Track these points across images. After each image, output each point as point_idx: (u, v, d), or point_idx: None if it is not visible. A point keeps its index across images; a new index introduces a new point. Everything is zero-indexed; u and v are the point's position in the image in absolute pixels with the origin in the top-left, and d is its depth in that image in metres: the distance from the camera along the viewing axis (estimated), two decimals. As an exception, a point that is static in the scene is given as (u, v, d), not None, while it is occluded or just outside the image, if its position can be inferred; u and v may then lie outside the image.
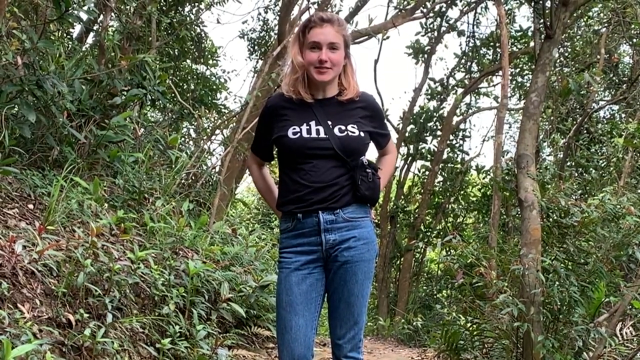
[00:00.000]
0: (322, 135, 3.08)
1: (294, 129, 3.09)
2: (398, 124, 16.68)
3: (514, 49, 14.91)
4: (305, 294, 3.07)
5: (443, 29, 16.24)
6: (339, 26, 3.10)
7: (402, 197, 16.78)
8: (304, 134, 3.08)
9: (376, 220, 18.11)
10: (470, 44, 16.32)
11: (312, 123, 3.11)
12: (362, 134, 3.14)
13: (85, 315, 4.01)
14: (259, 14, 15.61)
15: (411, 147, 16.36)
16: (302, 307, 3.06)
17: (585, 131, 13.52)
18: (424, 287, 17.13)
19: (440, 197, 16.59)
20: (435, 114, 16.24)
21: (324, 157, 3.07)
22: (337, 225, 3.06)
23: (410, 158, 16.46)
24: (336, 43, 3.08)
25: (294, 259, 3.10)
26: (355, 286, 3.08)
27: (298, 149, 3.07)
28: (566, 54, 14.57)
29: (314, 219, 3.06)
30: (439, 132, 16.28)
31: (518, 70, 15.90)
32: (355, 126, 3.13)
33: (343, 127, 3.11)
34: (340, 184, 3.08)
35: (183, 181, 8.59)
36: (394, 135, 16.31)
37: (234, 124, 12.00)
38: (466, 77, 16.70)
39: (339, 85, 3.22)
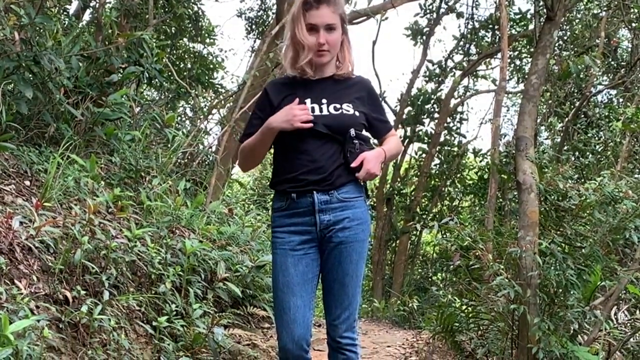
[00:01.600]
0: (316, 113, 3.07)
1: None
2: (395, 106, 16.65)
3: (513, 31, 14.84)
4: (302, 274, 3.05)
5: (442, 10, 16.18)
6: (334, 5, 3.06)
7: (399, 179, 16.78)
8: (317, 112, 3.07)
9: (371, 203, 18.18)
10: (469, 26, 16.26)
11: (308, 101, 3.09)
12: (356, 113, 3.12)
13: (82, 292, 4.00)
14: (257, -7, 15.50)
15: (408, 129, 16.33)
16: (299, 287, 3.04)
17: (583, 115, 13.50)
18: (420, 270, 17.18)
19: (437, 180, 16.59)
20: (433, 96, 16.19)
21: (319, 136, 3.05)
22: (332, 206, 3.05)
23: (407, 140, 16.43)
24: (333, 24, 3.04)
25: (288, 239, 3.08)
26: (350, 266, 3.06)
27: (297, 130, 3.03)
28: (565, 38, 14.53)
29: (308, 199, 3.04)
30: (436, 115, 16.24)
31: (517, 53, 15.85)
32: (350, 105, 3.11)
33: (338, 106, 3.10)
34: (336, 163, 3.06)
35: (180, 160, 8.58)
36: (391, 117, 16.31)
37: (231, 103, 11.96)
38: (464, 59, 16.64)
39: (336, 61, 3.20)
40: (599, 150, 12.28)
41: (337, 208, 3.05)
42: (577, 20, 14.52)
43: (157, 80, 7.77)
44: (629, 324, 6.77)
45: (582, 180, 10.50)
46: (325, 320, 3.22)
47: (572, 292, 5.60)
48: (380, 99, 15.51)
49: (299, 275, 3.05)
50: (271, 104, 3.15)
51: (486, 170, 14.99)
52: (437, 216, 15.26)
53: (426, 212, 16.14)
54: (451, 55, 16.77)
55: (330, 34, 3.04)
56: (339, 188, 3.06)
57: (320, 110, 3.07)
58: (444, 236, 13.01)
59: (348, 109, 3.10)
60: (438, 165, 16.63)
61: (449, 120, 16.40)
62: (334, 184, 3.05)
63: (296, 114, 2.96)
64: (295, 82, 3.16)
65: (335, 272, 3.08)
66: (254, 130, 3.14)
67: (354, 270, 3.08)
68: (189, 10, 12.67)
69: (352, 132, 3.07)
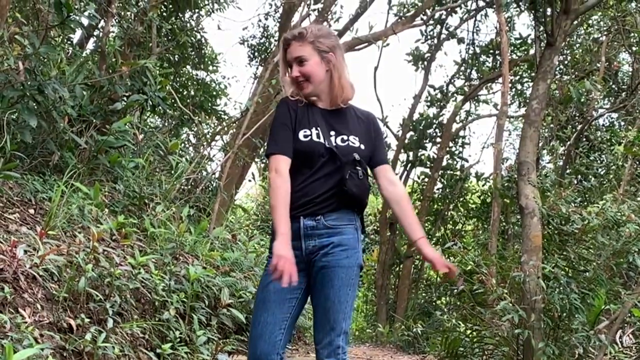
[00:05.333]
0: (323, 141, 3.08)
1: (305, 132, 3.10)
2: (398, 131, 16.68)
3: (514, 56, 14.91)
4: (279, 292, 3.01)
5: (443, 36, 16.25)
6: (301, 39, 3.14)
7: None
8: (314, 138, 3.09)
9: (374, 227, 18.15)
10: (470, 52, 16.33)
11: (319, 129, 3.11)
12: (362, 146, 3.15)
13: (86, 320, 4.00)
14: (259, 20, 15.58)
15: (410, 153, 16.34)
16: (273, 304, 3.03)
17: (584, 139, 13.53)
18: (423, 294, 17.09)
19: (440, 204, 16.57)
20: (434, 121, 16.22)
21: (323, 164, 3.07)
22: (317, 232, 3.05)
23: (409, 165, 16.44)
24: (302, 56, 3.12)
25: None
26: (331, 291, 3.03)
27: (308, 152, 3.07)
28: (566, 62, 14.60)
29: (295, 224, 3.04)
30: (438, 139, 16.25)
31: (518, 77, 15.90)
32: (357, 138, 3.15)
33: (345, 137, 3.13)
34: (324, 188, 3.06)
35: (183, 187, 8.60)
36: (393, 142, 16.35)
37: (234, 130, 12.00)
38: (466, 84, 16.69)
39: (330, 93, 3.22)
40: (602, 173, 12.29)
41: (323, 234, 3.05)
42: (577, 45, 14.60)
43: (160, 107, 7.83)
44: (634, 348, 6.75)
45: (585, 203, 10.50)
46: None
47: (576, 316, 5.59)
48: (383, 124, 15.50)
49: (276, 294, 3.03)
50: (294, 112, 3.17)
51: (489, 194, 14.97)
52: (441, 240, 15.22)
53: (429, 236, 16.09)
54: (452, 80, 16.84)
55: (302, 66, 3.12)
56: (326, 214, 3.06)
57: (326, 140, 3.09)
58: (448, 260, 12.96)
59: (354, 141, 3.14)
60: (441, 190, 16.60)
61: (451, 144, 16.41)
62: (321, 210, 3.06)
63: (282, 271, 2.86)
64: (307, 108, 3.19)
65: (317, 296, 3.07)
66: (281, 141, 3.09)
67: (336, 295, 3.04)
68: (192, 38, 12.76)
69: (357, 156, 3.09)
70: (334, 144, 3.09)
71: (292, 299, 3.09)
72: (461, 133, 16.89)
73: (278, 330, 3.03)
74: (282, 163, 3.05)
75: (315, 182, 3.07)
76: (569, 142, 12.91)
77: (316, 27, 3.25)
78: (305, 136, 3.08)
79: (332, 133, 3.12)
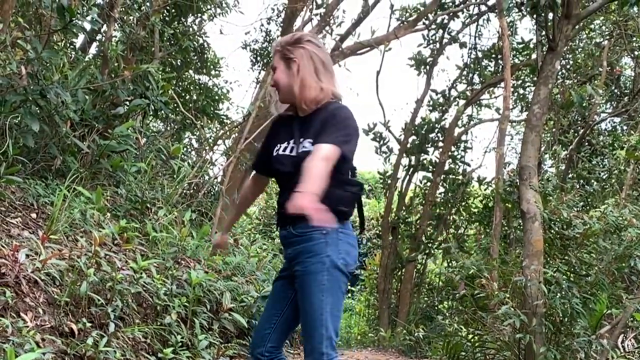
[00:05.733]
0: (289, 153, 3.14)
1: (277, 146, 3.20)
2: (400, 135, 16.66)
3: (516, 61, 14.91)
4: (277, 291, 3.28)
5: (445, 40, 16.24)
6: (275, 48, 3.27)
7: (404, 208, 16.75)
8: (281, 152, 3.17)
9: (376, 232, 18.14)
10: (472, 56, 16.32)
11: (290, 141, 3.17)
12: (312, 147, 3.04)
13: (88, 324, 4.01)
14: (262, 25, 15.56)
15: (413, 158, 16.33)
16: (270, 300, 3.30)
17: (587, 143, 13.53)
18: (425, 298, 17.06)
19: (442, 208, 16.54)
20: (437, 125, 16.20)
21: (285, 174, 3.13)
22: (290, 241, 3.14)
23: (411, 169, 16.43)
24: (275, 66, 3.24)
25: (284, 264, 3.30)
26: (302, 299, 3.07)
27: (274, 166, 3.20)
28: (568, 67, 14.60)
29: (280, 233, 3.22)
30: (440, 144, 16.24)
31: (520, 82, 15.90)
32: (310, 140, 3.07)
33: (310, 143, 3.06)
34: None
35: (185, 191, 8.61)
36: (395, 146, 16.34)
37: (236, 134, 12.01)
38: (468, 88, 16.67)
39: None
40: (604, 177, 12.29)
41: (294, 242, 3.11)
42: (579, 49, 14.60)
43: (162, 112, 7.84)
44: (636, 352, 6.73)
45: (588, 208, 10.50)
46: None
47: (578, 321, 5.59)
48: (385, 128, 15.47)
49: (275, 294, 3.28)
50: (275, 129, 3.32)
51: (491, 198, 14.96)
52: (443, 244, 15.20)
53: (432, 241, 16.07)
54: (455, 85, 16.82)
55: (275, 74, 3.22)
56: (295, 223, 3.07)
57: (291, 150, 3.13)
58: (450, 264, 12.98)
59: (307, 145, 3.07)
60: (443, 194, 16.57)
61: (453, 149, 16.39)
62: (289, 220, 3.07)
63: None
64: (289, 120, 3.27)
65: (298, 305, 3.14)
66: (256, 158, 3.41)
67: (308, 303, 3.05)
68: (195, 43, 12.78)
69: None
70: (298, 152, 3.09)
71: (285, 298, 3.24)
72: (463, 137, 16.86)
73: (267, 325, 3.24)
74: (252, 177, 3.43)
75: (283, 194, 3.14)
76: (571, 147, 12.91)
77: (291, 35, 3.30)
78: (276, 150, 3.19)
79: (301, 140, 3.12)
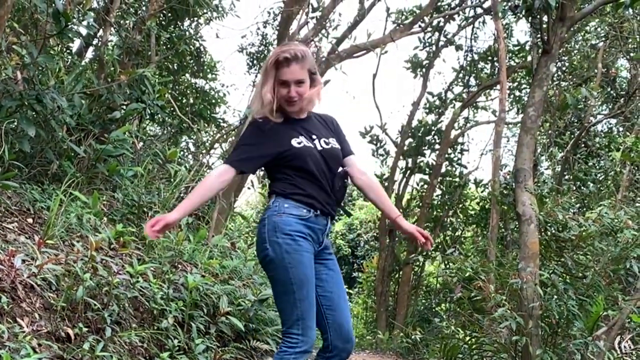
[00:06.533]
0: (317, 147, 3.39)
1: (296, 139, 3.32)
2: (396, 138, 16.69)
3: (512, 63, 14.95)
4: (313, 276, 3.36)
5: (441, 43, 16.28)
6: (302, 61, 3.33)
7: (401, 210, 16.77)
8: (306, 143, 3.33)
9: (374, 234, 18.14)
10: (468, 58, 16.36)
11: (302, 137, 3.36)
12: (338, 146, 3.51)
13: (84, 329, 4.01)
14: (258, 28, 15.58)
15: (409, 160, 16.36)
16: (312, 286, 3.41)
17: (583, 145, 13.55)
18: (423, 301, 17.08)
19: (439, 210, 16.57)
20: (433, 127, 16.24)
21: (315, 165, 3.32)
22: (327, 232, 3.45)
23: (408, 172, 16.46)
24: (302, 79, 3.33)
25: (307, 245, 3.28)
26: (339, 279, 3.49)
27: (304, 155, 3.30)
28: (564, 69, 14.63)
29: (323, 221, 3.37)
30: (437, 146, 16.27)
31: (516, 84, 15.94)
32: (333, 139, 3.47)
33: (327, 140, 3.43)
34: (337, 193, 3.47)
35: (182, 195, 8.60)
36: (392, 149, 16.37)
37: (233, 137, 12.02)
38: (464, 91, 16.71)
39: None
40: (600, 179, 12.30)
41: (328, 234, 3.45)
42: (575, 51, 14.63)
43: (159, 115, 7.84)
44: (633, 354, 6.74)
45: (584, 209, 10.52)
46: None
47: (574, 323, 5.60)
48: (382, 131, 15.50)
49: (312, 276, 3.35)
50: (267, 131, 3.36)
51: (488, 200, 14.98)
52: (440, 247, 15.22)
53: (429, 243, 16.10)
54: (451, 87, 16.86)
55: (299, 87, 3.32)
56: (334, 219, 3.48)
57: (319, 144, 3.38)
58: (447, 266, 12.99)
59: (333, 142, 3.45)
60: (440, 196, 16.61)
61: (449, 151, 16.42)
62: (334, 214, 3.45)
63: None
64: (279, 123, 3.38)
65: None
66: (244, 156, 3.33)
67: (341, 281, 3.49)
68: (191, 46, 12.79)
69: (342, 170, 3.47)
70: (322, 147, 3.38)
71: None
72: (460, 140, 16.89)
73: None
74: (223, 172, 3.32)
75: (328, 182, 3.40)
76: (567, 149, 12.92)
77: (303, 48, 3.43)
78: (298, 143, 3.32)
79: (314, 137, 3.40)
